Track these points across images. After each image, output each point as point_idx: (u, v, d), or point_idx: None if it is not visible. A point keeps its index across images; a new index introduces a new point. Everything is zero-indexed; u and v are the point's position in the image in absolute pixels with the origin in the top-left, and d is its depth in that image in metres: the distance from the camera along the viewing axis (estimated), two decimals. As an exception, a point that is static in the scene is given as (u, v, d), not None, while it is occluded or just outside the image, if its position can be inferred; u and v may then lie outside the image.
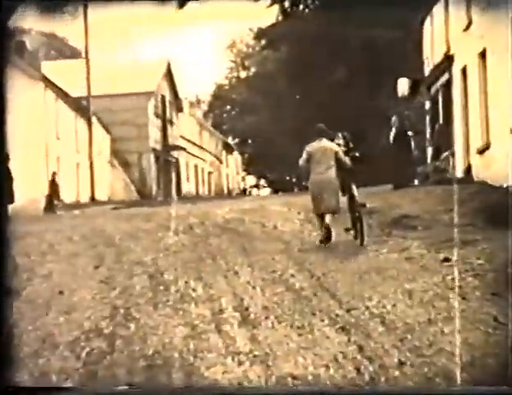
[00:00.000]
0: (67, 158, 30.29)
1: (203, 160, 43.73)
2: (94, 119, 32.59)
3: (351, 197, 14.85)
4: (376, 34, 30.84)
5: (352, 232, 14.65)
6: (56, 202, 26.02)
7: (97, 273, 13.12)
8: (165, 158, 38.24)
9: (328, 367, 8.38)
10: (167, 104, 38.95)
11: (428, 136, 27.50)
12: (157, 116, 37.51)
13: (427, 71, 28.24)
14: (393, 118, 23.07)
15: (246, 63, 45.55)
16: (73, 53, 39.48)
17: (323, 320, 9.78)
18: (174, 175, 39.09)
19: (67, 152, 30.42)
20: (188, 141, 41.61)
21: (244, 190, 45.92)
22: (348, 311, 10.04)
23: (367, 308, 10.10)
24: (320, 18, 32.76)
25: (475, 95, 21.19)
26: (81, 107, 32.01)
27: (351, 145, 15.78)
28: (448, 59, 24.84)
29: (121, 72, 35.11)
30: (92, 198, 31.11)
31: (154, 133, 37.05)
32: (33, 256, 14.52)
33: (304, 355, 8.72)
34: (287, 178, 42.87)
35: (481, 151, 20.41)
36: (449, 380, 7.97)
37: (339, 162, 14.70)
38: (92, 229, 17.61)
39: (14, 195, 17.99)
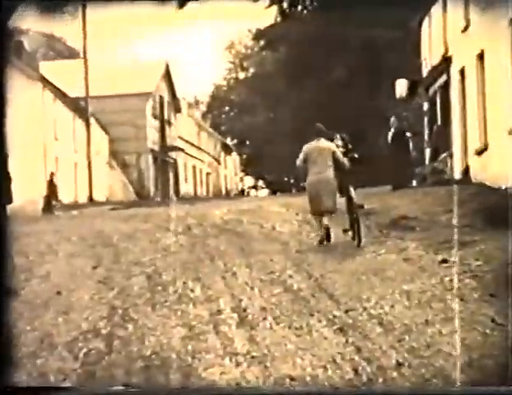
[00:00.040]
0: (65, 158, 30.30)
1: (201, 161, 43.74)
2: (92, 120, 32.59)
3: (349, 199, 14.85)
4: (374, 35, 30.89)
5: (350, 233, 14.65)
6: (54, 202, 26.03)
7: (95, 274, 13.13)
8: (163, 159, 38.25)
9: (325, 368, 8.38)
10: (165, 104, 38.97)
11: (426, 137, 27.53)
12: (155, 117, 37.51)
13: (425, 72, 28.26)
14: (392, 119, 23.10)
15: (245, 64, 45.61)
16: (71, 54, 39.49)
17: (320, 321, 9.79)
18: (172, 176, 39.12)
19: (65, 153, 30.42)
20: (187, 142, 41.63)
21: (242, 191, 45.96)
22: (346, 312, 10.04)
23: (365, 309, 10.11)
24: (318, 19, 32.80)
25: (473, 96, 21.21)
26: (79, 107, 32.03)
27: (350, 146, 15.77)
28: (446, 60, 24.86)
29: (119, 72, 35.12)
30: (90, 199, 31.12)
31: (152, 134, 37.06)
32: (31, 256, 14.53)
33: (302, 356, 8.72)
34: (285, 179, 42.89)
35: (479, 153, 20.42)
36: (446, 381, 7.98)
37: (337, 162, 14.69)
38: (90, 229, 17.62)
39: (12, 195, 17.97)
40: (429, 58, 27.69)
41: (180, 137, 40.59)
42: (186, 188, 40.85)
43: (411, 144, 23.79)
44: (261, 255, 13.74)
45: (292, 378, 8.24)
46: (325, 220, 14.45)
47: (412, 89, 28.25)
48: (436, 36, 26.14)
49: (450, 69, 24.53)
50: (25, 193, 23.27)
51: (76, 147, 31.74)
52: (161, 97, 38.44)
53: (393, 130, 22.79)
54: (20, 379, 8.78)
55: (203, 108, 46.66)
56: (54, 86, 29.65)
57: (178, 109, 40.56)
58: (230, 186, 46.89)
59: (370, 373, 8.18)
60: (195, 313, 10.52)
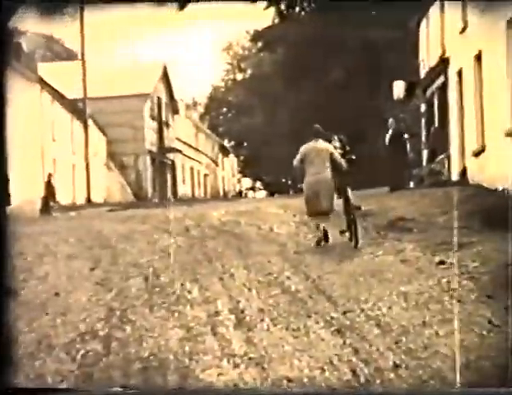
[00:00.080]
0: (63, 160, 30.28)
1: (199, 163, 43.72)
2: (90, 121, 32.58)
3: (346, 200, 14.87)
4: (372, 36, 30.89)
5: (347, 234, 14.66)
6: (52, 203, 26.00)
7: (93, 275, 13.12)
8: (161, 160, 38.23)
9: (323, 369, 8.39)
10: (163, 106, 38.95)
11: (423, 138, 27.53)
12: (153, 118, 37.50)
13: (423, 73, 28.27)
14: (390, 121, 23.11)
15: (242, 65, 45.56)
16: (69, 55, 39.45)
17: (318, 322, 9.79)
18: (169, 177, 39.09)
19: (63, 154, 30.40)
20: (184, 143, 41.61)
21: (240, 192, 45.91)
22: (344, 313, 10.05)
23: (362, 310, 10.12)
24: (316, 20, 32.79)
25: (470, 97, 21.22)
26: (77, 109, 32.00)
27: (348, 147, 15.79)
28: (443, 62, 24.87)
29: (117, 73, 35.10)
30: (88, 200, 31.08)
31: (150, 135, 37.04)
32: (29, 257, 14.52)
33: (300, 357, 8.73)
34: (283, 180, 42.86)
35: (477, 154, 20.44)
36: (443, 382, 7.99)
37: (334, 163, 14.70)
38: (88, 231, 17.61)
39: (10, 197, 17.95)
40: (427, 60, 27.69)
41: (178, 139, 40.56)
42: (184, 189, 40.81)
43: (408, 145, 23.80)
44: (259, 256, 13.75)
45: (290, 380, 8.25)
46: (322, 221, 14.47)
47: (410, 90, 28.25)
48: (434, 37, 26.16)
49: (448, 70, 24.55)
50: (23, 194, 23.24)
51: (74, 149, 31.72)
52: (159, 98, 38.42)
53: (390, 131, 22.81)
54: (17, 381, 8.78)
55: (201, 109, 46.62)
56: (52, 88, 29.63)
57: (176, 111, 40.53)
58: (228, 187, 46.86)
59: (368, 374, 8.20)
60: (193, 314, 10.52)
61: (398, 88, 28.13)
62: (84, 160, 31.63)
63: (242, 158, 46.95)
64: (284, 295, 11.11)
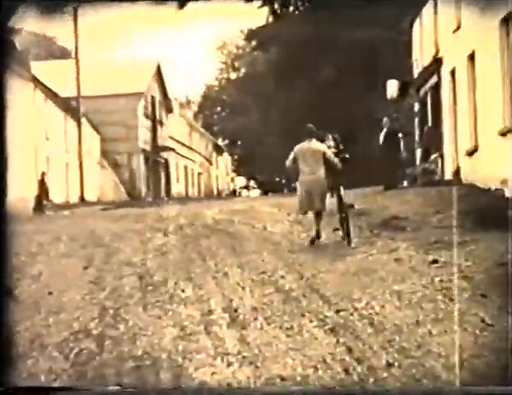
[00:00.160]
0: (56, 158, 30.23)
1: (193, 161, 43.70)
2: (83, 120, 32.54)
3: (340, 198, 14.90)
4: (366, 35, 30.89)
5: (340, 232, 14.70)
6: (45, 202, 25.96)
7: (86, 274, 13.11)
8: (155, 159, 38.20)
9: (316, 368, 8.40)
10: (157, 104, 38.92)
11: (417, 138, 27.55)
12: (147, 117, 37.46)
13: (416, 73, 28.30)
14: (384, 120, 23.14)
15: (236, 64, 45.53)
16: (63, 54, 39.38)
17: (312, 321, 9.80)
18: (163, 176, 39.07)
19: (56, 153, 30.36)
20: (178, 142, 41.58)
21: (234, 191, 45.88)
22: (337, 312, 10.06)
23: (356, 309, 10.13)
24: (310, 19, 32.79)
25: (464, 97, 21.26)
26: (70, 107, 31.96)
27: (341, 146, 15.81)
28: (437, 61, 24.90)
29: (111, 72, 35.06)
30: (82, 199, 31.04)
31: (143, 134, 37.01)
32: (22, 256, 14.50)
33: (293, 356, 8.74)
34: (277, 179, 42.86)
35: (470, 153, 20.47)
36: (436, 381, 8.00)
37: (328, 163, 14.74)
38: (82, 229, 17.59)
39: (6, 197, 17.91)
40: (420, 59, 27.72)
41: (172, 137, 40.53)
42: (177, 188, 40.78)
43: (402, 144, 23.83)
44: (252, 255, 13.76)
45: (283, 379, 8.26)
46: (314, 219, 14.57)
47: (403, 90, 28.27)
48: (427, 37, 26.19)
49: (441, 70, 24.58)
50: (16, 193, 23.19)
51: (68, 147, 31.67)
52: (153, 97, 38.39)
53: (384, 130, 22.83)
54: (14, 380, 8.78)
55: (195, 108, 46.58)
56: (45, 86, 29.58)
57: (169, 109, 40.50)
58: (222, 186, 46.84)
59: (361, 373, 8.20)
60: (186, 313, 10.52)
61: (392, 87, 28.15)
62: (77, 159, 31.60)
63: (236, 157, 46.93)
64: (278, 294, 11.12)
